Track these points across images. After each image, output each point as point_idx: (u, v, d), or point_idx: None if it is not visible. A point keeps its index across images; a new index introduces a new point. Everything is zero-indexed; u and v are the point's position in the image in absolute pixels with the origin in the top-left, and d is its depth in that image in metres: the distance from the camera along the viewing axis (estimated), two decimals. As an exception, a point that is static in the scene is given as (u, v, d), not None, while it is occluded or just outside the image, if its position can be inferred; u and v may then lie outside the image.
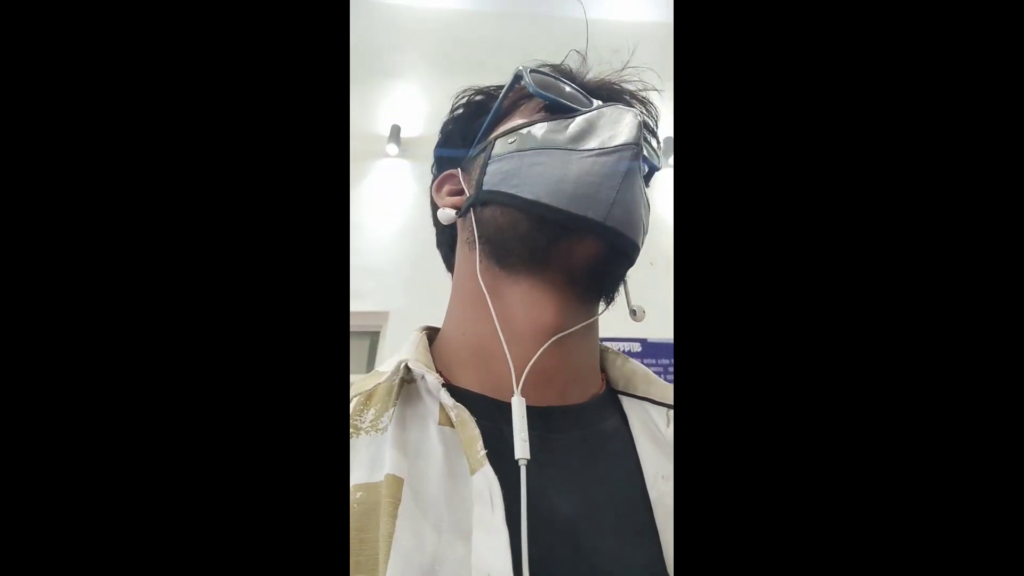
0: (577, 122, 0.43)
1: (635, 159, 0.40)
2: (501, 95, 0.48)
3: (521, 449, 0.34)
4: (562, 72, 0.50)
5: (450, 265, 0.52)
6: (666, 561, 0.34)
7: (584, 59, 0.51)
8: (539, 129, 0.44)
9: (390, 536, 0.31)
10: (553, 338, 0.41)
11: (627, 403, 0.44)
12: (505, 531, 0.32)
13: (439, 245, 0.54)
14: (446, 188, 0.50)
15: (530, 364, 0.39)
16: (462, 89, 0.53)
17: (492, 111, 0.48)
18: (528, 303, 0.42)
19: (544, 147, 0.42)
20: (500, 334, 0.40)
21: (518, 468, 0.34)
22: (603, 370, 0.47)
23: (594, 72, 0.51)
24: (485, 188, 0.44)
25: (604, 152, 0.40)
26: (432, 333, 0.47)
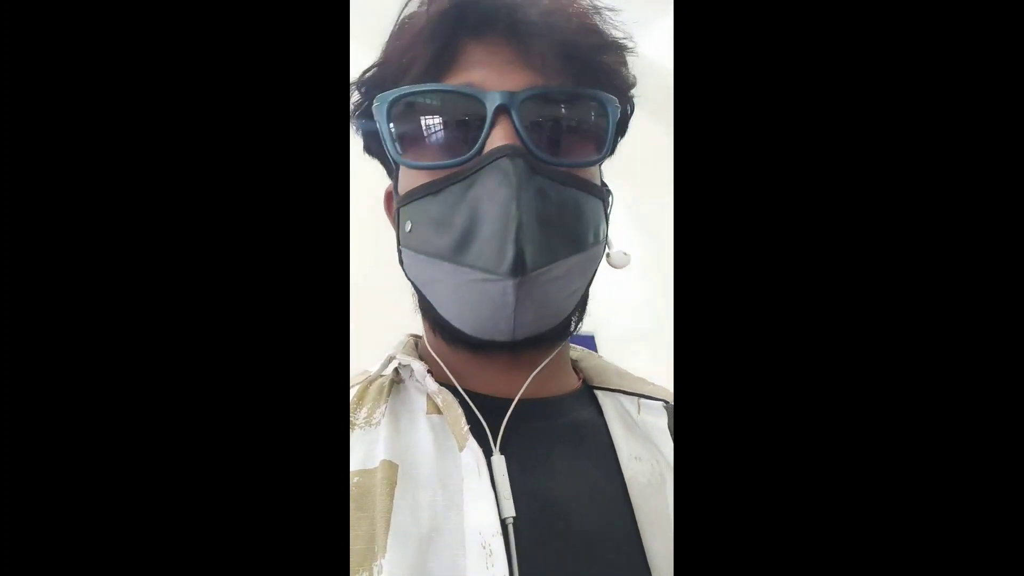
0: (460, 210, 0.36)
1: (520, 286, 0.36)
2: (384, 138, 0.39)
3: (507, 508, 0.35)
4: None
5: None
6: (640, 532, 0.38)
7: None
8: (424, 214, 0.38)
9: (388, 512, 0.34)
10: (525, 385, 0.42)
11: (601, 396, 0.47)
12: (491, 494, 0.35)
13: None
14: (391, 209, 0.46)
15: (504, 424, 0.39)
16: (356, 78, 0.42)
17: (383, 136, 0.40)
18: (482, 368, 0.43)
19: (436, 256, 0.38)
20: (468, 400, 0.40)
21: (500, 459, 0.37)
22: (579, 370, 0.51)
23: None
24: (408, 275, 0.43)
25: (489, 279, 0.36)
26: (419, 339, 0.49)
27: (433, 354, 0.44)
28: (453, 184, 0.36)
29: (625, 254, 0.43)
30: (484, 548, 0.33)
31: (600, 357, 0.52)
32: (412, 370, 0.41)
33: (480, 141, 0.36)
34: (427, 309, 0.43)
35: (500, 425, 0.39)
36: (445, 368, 0.42)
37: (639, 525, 0.38)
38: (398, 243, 0.43)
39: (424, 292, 0.42)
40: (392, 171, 0.45)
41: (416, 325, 0.49)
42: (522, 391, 0.41)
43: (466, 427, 0.38)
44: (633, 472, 0.41)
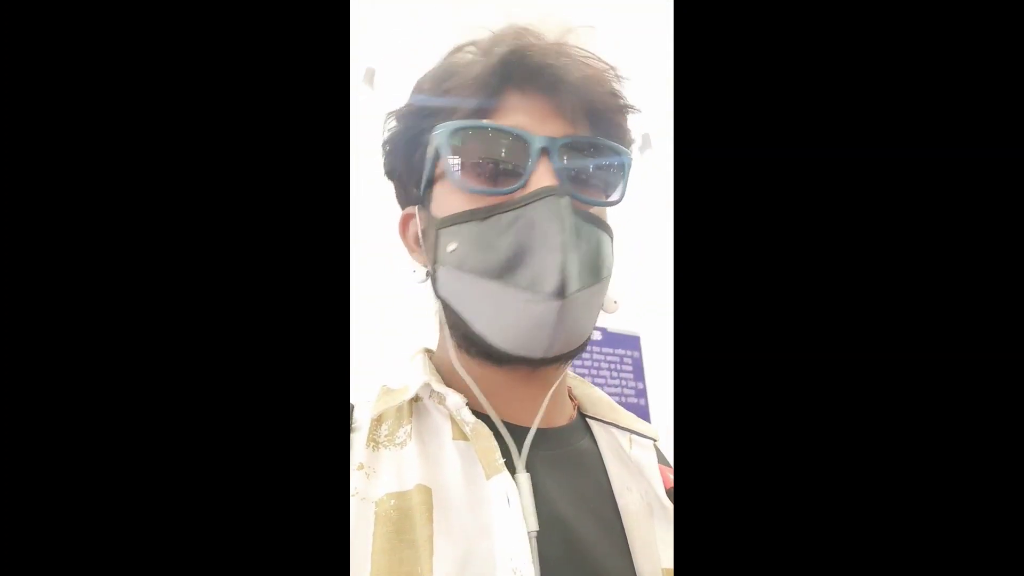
0: (509, 236, 0.40)
1: (562, 308, 0.40)
2: (427, 166, 0.44)
3: (532, 523, 0.38)
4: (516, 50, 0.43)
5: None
6: (631, 554, 0.41)
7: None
8: (472, 238, 0.42)
9: (430, 539, 0.36)
10: (541, 411, 0.45)
11: (595, 426, 0.50)
12: (523, 523, 0.37)
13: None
14: (410, 232, 0.49)
15: (526, 446, 0.42)
16: (397, 108, 0.48)
17: (426, 163, 0.45)
18: (501, 383, 0.45)
19: (482, 275, 0.41)
20: (498, 423, 0.43)
21: (526, 476, 0.40)
22: (572, 397, 0.53)
23: (555, 34, 0.45)
24: (440, 293, 0.45)
25: (533, 301, 0.40)
26: (431, 353, 0.51)
27: (459, 367, 0.45)
28: (502, 212, 0.41)
29: (615, 302, 0.48)
30: (515, 573, 0.36)
31: (592, 386, 0.55)
32: (444, 397, 0.43)
33: (525, 177, 0.41)
34: (456, 324, 0.44)
35: (520, 449, 0.42)
36: (472, 384, 0.44)
37: (631, 548, 0.42)
38: (433, 262, 0.45)
39: (458, 308, 0.44)
40: (415, 197, 0.47)
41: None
42: (539, 419, 0.44)
43: (500, 460, 0.40)
44: (626, 501, 0.44)
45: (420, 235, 0.47)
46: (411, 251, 0.49)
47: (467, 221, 0.42)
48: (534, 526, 0.38)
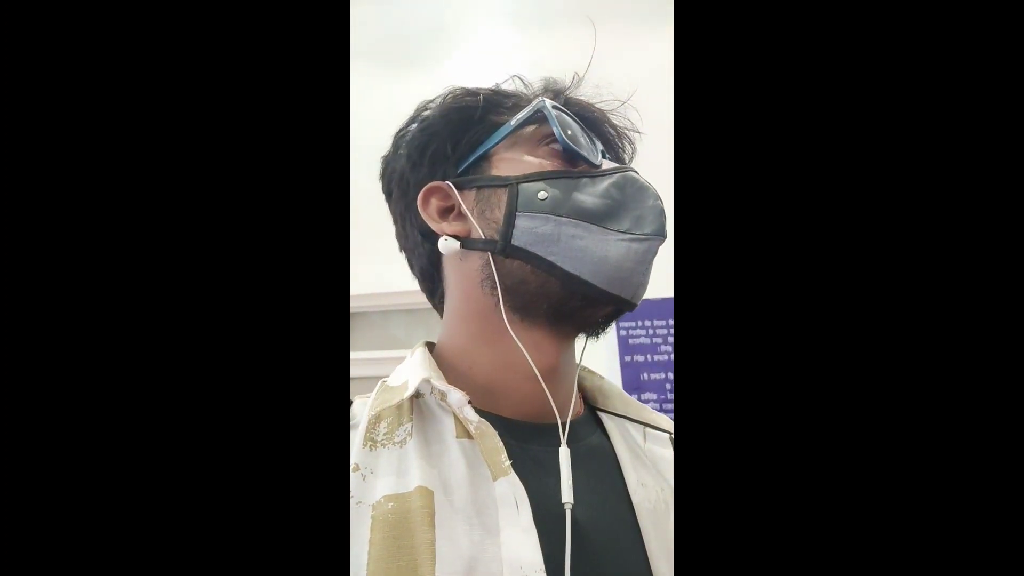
0: (604, 191, 0.45)
1: (659, 247, 0.45)
2: (515, 123, 0.47)
3: (567, 494, 0.39)
4: (560, 91, 0.51)
5: (425, 276, 0.52)
6: (647, 551, 0.41)
7: (580, 80, 0.52)
8: (567, 189, 0.45)
9: (432, 543, 0.35)
10: (572, 404, 0.45)
11: (606, 420, 0.49)
12: (534, 530, 0.36)
13: (407, 251, 0.53)
14: (435, 204, 0.48)
15: (570, 415, 0.44)
16: (452, 88, 0.50)
17: (498, 134, 0.47)
18: (539, 346, 0.45)
19: (580, 219, 0.44)
20: (545, 388, 0.44)
21: (533, 478, 0.39)
22: (581, 389, 0.51)
23: (582, 93, 0.52)
24: (515, 243, 0.44)
25: (637, 239, 0.44)
26: (430, 347, 0.49)
27: (510, 330, 0.44)
28: (593, 176, 0.46)
29: None
30: None
31: (602, 377, 0.53)
32: (445, 394, 0.42)
33: (599, 160, 0.48)
34: (524, 280, 0.44)
35: (531, 448, 0.42)
36: (521, 346, 0.44)
37: (647, 547, 0.41)
38: (508, 215, 0.45)
39: (542, 252, 0.44)
40: (442, 173, 0.48)
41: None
42: (571, 412, 0.45)
43: (507, 462, 0.39)
44: (640, 498, 0.43)
45: (461, 203, 0.47)
46: (432, 221, 0.48)
47: (559, 178, 0.45)
48: (569, 498, 0.38)
